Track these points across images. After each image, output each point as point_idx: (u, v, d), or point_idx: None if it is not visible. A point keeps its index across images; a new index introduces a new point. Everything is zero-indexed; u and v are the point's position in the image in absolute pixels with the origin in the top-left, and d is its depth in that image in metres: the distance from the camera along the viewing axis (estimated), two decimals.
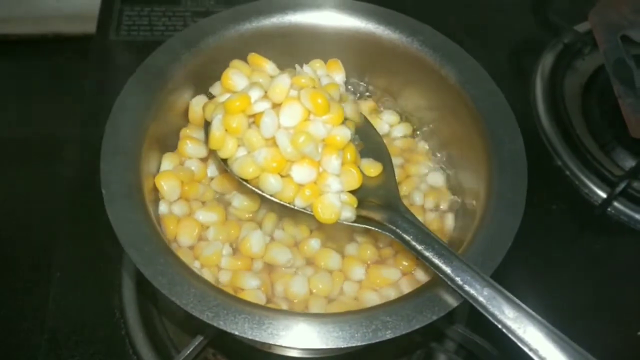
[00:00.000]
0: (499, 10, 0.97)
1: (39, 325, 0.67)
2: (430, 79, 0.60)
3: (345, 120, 0.53)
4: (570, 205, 0.79)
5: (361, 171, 0.54)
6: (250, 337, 0.43)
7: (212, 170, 0.60)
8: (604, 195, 0.78)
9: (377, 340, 0.44)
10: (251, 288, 0.53)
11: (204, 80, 0.59)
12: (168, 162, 0.59)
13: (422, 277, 0.56)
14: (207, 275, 0.54)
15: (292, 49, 0.60)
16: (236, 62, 0.56)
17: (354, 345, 0.44)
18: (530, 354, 0.42)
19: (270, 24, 0.61)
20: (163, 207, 0.57)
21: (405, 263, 0.57)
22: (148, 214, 0.50)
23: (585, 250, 0.76)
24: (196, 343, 0.59)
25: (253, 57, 0.57)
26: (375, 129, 0.59)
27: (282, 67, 0.57)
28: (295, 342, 0.44)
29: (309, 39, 0.61)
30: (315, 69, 0.56)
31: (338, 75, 0.58)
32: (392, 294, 0.55)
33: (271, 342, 0.43)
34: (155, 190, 0.56)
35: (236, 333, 0.43)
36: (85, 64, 0.86)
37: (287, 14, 0.61)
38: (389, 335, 0.44)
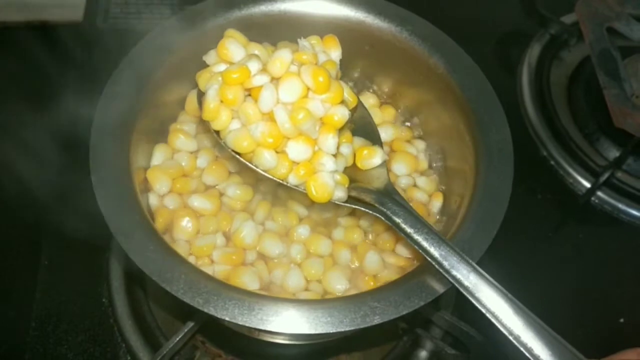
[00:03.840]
0: (486, 1, 0.98)
1: (27, 314, 0.67)
2: (419, 68, 0.61)
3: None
4: (554, 194, 0.80)
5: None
6: (240, 323, 0.44)
7: (201, 161, 0.60)
8: (588, 184, 0.79)
9: (366, 326, 0.44)
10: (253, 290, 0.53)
11: (194, 69, 0.59)
12: (160, 153, 0.59)
13: (403, 252, 0.58)
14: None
15: (281, 37, 0.60)
16: (232, 32, 0.54)
17: (342, 330, 0.44)
18: (511, 338, 0.43)
19: (259, 12, 0.61)
20: (153, 200, 0.57)
21: (388, 244, 0.58)
22: (138, 201, 0.50)
23: (569, 238, 0.77)
24: (185, 330, 0.60)
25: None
26: (366, 109, 0.58)
27: None
28: (285, 328, 0.44)
29: (298, 27, 0.61)
30: (312, 45, 0.54)
31: (335, 52, 0.56)
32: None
33: (261, 327, 0.44)
34: (146, 180, 0.56)
35: (227, 319, 0.44)
36: (72, 52, 0.85)
37: (277, 1, 0.61)
38: (377, 320, 0.44)
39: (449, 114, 0.59)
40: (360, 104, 0.58)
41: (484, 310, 0.44)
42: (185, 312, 0.64)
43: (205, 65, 0.55)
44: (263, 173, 0.51)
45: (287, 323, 0.44)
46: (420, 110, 0.65)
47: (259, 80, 0.49)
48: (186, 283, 0.45)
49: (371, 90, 0.68)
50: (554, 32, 0.91)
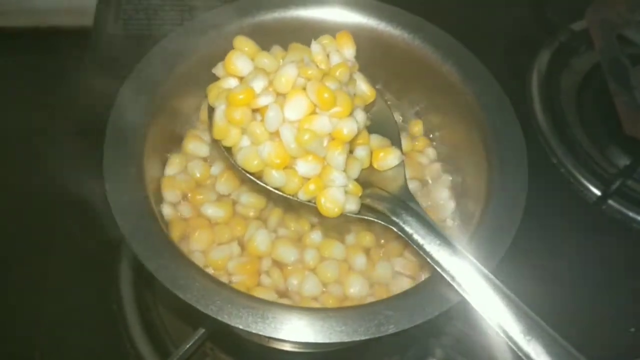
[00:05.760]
0: (496, 8, 0.98)
1: (36, 319, 0.66)
2: (432, 75, 0.61)
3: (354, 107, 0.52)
4: (565, 202, 0.80)
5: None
6: (254, 331, 0.43)
7: (215, 169, 0.61)
8: (598, 192, 0.78)
9: (380, 335, 0.44)
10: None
11: (207, 76, 0.59)
12: (173, 162, 0.59)
13: (412, 258, 0.58)
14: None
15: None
16: (241, 40, 0.54)
17: (357, 339, 0.44)
18: (520, 354, 0.43)
19: (272, 19, 0.61)
20: (167, 210, 0.57)
21: (396, 251, 0.58)
22: (151, 209, 0.50)
23: (579, 246, 0.77)
24: (195, 337, 0.60)
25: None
26: (385, 101, 0.58)
27: None
28: (299, 336, 0.44)
29: (311, 34, 0.61)
30: (324, 45, 0.54)
31: (348, 49, 0.55)
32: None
33: (275, 336, 0.44)
34: (160, 189, 0.57)
35: (240, 327, 0.43)
36: (82, 58, 0.86)
37: (289, 8, 0.61)
38: (392, 329, 0.44)
39: (462, 121, 0.59)
40: (379, 97, 0.57)
41: (498, 330, 0.44)
42: (195, 319, 0.64)
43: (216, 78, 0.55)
44: (273, 190, 0.51)
45: (301, 331, 0.44)
46: (432, 117, 0.65)
47: (264, 100, 0.49)
48: (199, 290, 0.45)
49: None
50: (563, 40, 0.91)
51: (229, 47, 0.56)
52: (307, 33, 0.61)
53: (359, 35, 0.61)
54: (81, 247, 0.70)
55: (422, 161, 0.63)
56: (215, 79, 0.57)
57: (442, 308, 0.46)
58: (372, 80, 0.58)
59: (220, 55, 0.56)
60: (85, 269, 0.69)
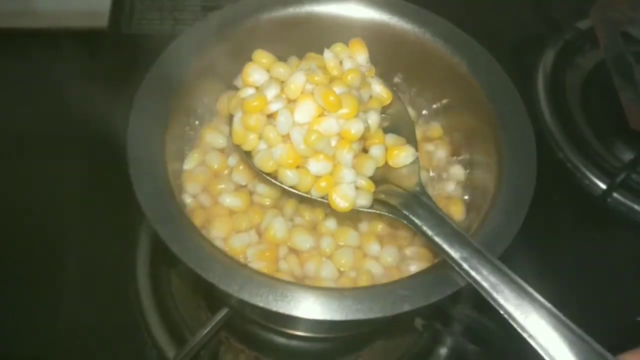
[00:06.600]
0: (501, 7, 0.99)
1: (54, 309, 0.68)
2: (442, 68, 0.62)
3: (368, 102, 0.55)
4: (571, 196, 0.81)
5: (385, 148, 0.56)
6: (274, 309, 0.45)
7: (231, 160, 0.62)
8: (603, 186, 0.80)
9: (395, 313, 0.46)
10: None
11: (223, 72, 0.61)
12: (192, 155, 0.62)
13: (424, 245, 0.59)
14: None
15: (307, 39, 0.62)
16: (259, 53, 0.57)
17: (372, 317, 0.45)
18: (530, 340, 0.43)
19: (287, 14, 0.63)
20: (187, 200, 0.59)
21: (405, 241, 0.60)
22: (174, 196, 0.52)
23: (585, 239, 0.78)
24: (212, 324, 0.61)
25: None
26: (403, 103, 0.60)
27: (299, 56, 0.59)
28: (316, 314, 0.46)
29: (324, 29, 0.63)
30: (337, 52, 0.57)
31: (361, 55, 0.59)
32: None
33: (293, 313, 0.45)
34: (179, 182, 0.59)
35: (261, 305, 0.45)
36: (96, 58, 0.87)
37: (304, 4, 0.63)
38: (406, 307, 0.46)
39: (471, 113, 0.61)
40: (397, 99, 0.60)
41: (501, 311, 0.45)
42: (212, 307, 0.66)
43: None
44: (288, 189, 0.54)
45: (318, 309, 0.46)
46: (442, 109, 0.67)
47: (275, 106, 0.53)
48: (222, 271, 0.47)
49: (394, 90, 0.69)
50: (568, 38, 0.92)
51: (244, 43, 0.59)
52: (321, 27, 0.63)
53: (371, 29, 0.63)
54: (98, 236, 0.71)
55: (431, 151, 0.65)
56: (227, 72, 0.60)
57: (455, 287, 0.47)
58: (382, 72, 0.60)
59: (237, 52, 0.59)
60: (102, 259, 0.70)
